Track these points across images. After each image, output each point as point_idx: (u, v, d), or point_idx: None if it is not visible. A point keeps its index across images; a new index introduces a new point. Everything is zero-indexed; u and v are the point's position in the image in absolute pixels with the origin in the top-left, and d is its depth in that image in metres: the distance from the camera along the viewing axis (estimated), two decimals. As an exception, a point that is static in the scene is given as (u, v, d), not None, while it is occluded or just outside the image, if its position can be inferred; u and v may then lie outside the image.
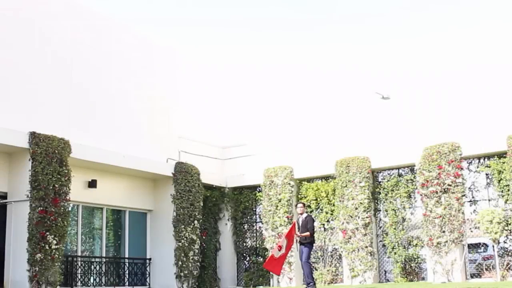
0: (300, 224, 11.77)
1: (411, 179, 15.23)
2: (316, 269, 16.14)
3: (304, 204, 12.39)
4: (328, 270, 15.90)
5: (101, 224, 15.20)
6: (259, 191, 17.38)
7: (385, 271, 15.58)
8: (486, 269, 14.26)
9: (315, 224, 16.37)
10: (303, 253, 11.66)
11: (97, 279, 14.65)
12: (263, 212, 16.86)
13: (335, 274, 15.95)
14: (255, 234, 17.77)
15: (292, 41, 39.12)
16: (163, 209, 16.07)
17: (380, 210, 15.68)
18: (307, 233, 11.58)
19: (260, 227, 17.53)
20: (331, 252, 16.20)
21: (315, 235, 16.22)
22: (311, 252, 12.20)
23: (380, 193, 15.60)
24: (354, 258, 15.09)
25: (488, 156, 14.44)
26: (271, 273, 16.48)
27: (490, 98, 15.34)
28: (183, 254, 15.68)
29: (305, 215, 11.91)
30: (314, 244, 12.27)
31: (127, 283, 15.35)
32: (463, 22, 37.85)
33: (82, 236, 14.65)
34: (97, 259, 14.84)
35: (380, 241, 15.58)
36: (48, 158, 12.56)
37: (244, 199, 17.97)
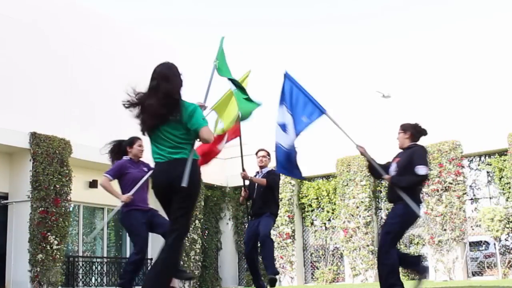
0: (256, 185, 7.64)
1: (412, 178, 15.19)
2: (318, 268, 16.14)
3: (268, 153, 8.01)
4: (329, 269, 15.90)
5: (102, 224, 15.20)
6: (260, 190, 17.35)
7: (387, 270, 15.55)
8: (488, 267, 14.25)
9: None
10: (260, 229, 7.32)
11: (99, 279, 14.65)
12: (264, 211, 16.82)
13: (337, 273, 15.95)
14: (256, 234, 17.75)
15: (292, 40, 39.14)
16: (164, 209, 16.06)
17: (381, 209, 15.67)
18: (264, 180, 7.50)
19: (261, 227, 17.51)
20: (333, 251, 16.20)
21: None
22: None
23: (381, 191, 15.59)
24: (356, 257, 15.09)
25: (489, 154, 14.42)
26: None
27: (490, 96, 15.34)
28: (184, 254, 15.68)
29: (267, 169, 7.84)
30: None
31: (128, 283, 15.34)
32: (464, 20, 37.83)
33: (83, 236, 14.66)
34: (98, 259, 14.84)
35: (382, 239, 15.55)
36: (49, 159, 12.57)
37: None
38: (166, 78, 4.54)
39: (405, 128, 6.25)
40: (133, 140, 6.76)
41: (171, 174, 4.39)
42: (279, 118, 6.76)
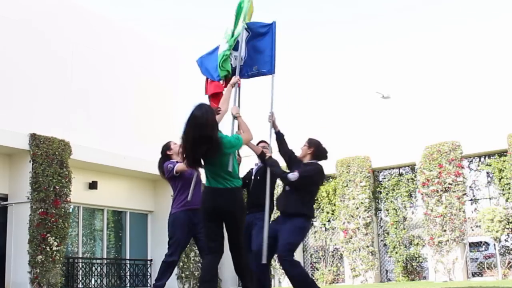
0: (253, 175, 7.16)
1: (411, 178, 15.22)
2: (318, 269, 16.12)
3: (269, 145, 7.14)
4: (329, 270, 15.89)
5: (102, 226, 15.19)
6: (260, 191, 17.31)
7: (387, 271, 15.57)
8: (488, 268, 14.25)
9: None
10: (252, 239, 6.71)
11: (98, 281, 14.64)
12: (264, 212, 16.79)
13: (337, 274, 15.94)
14: (256, 235, 17.72)
15: (292, 41, 39.13)
16: (164, 210, 16.01)
17: (381, 210, 15.67)
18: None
19: (261, 228, 17.49)
20: (332, 252, 16.19)
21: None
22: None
23: (381, 192, 15.59)
24: (356, 258, 15.08)
25: (489, 155, 14.42)
26: (272, 273, 16.44)
27: (490, 97, 15.36)
28: (184, 255, 15.64)
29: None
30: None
31: (128, 284, 15.34)
32: (464, 21, 37.85)
33: (83, 237, 14.64)
34: (98, 261, 14.83)
35: (381, 240, 15.56)
36: (49, 160, 12.55)
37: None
38: (200, 123, 5.03)
39: (310, 143, 6.33)
40: (167, 144, 6.96)
41: (219, 202, 5.40)
42: (242, 37, 6.73)
